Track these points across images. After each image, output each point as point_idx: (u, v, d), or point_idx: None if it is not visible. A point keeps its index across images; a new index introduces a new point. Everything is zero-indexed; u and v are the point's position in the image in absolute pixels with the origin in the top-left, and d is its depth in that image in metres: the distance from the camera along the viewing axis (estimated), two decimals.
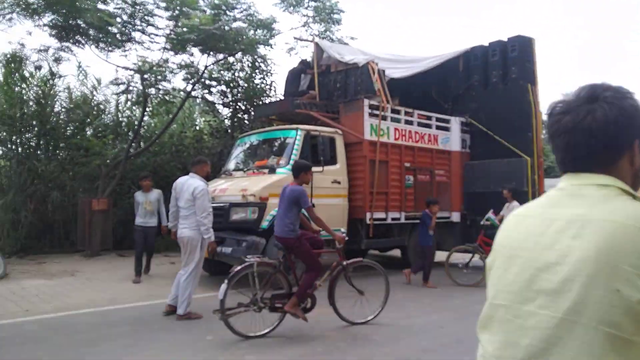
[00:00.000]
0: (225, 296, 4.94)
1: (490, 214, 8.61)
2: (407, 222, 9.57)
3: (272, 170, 7.93)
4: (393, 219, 9.25)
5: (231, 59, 12.03)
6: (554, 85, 46.13)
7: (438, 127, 10.33)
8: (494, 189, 10.05)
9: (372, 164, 8.86)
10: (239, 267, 5.16)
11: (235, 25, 9.86)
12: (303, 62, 10.15)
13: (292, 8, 11.55)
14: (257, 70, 12.48)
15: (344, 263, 5.68)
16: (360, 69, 9.27)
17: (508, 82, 10.37)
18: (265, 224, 7.44)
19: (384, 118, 9.15)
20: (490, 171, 10.23)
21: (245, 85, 12.49)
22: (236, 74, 12.36)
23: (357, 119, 8.91)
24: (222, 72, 12.32)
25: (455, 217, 10.43)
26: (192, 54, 11.03)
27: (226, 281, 5.03)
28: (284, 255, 5.43)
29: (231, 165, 9.02)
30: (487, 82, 10.73)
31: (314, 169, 7.93)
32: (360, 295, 5.64)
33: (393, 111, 9.45)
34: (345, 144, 8.94)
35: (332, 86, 9.77)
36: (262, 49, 11.55)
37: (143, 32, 10.75)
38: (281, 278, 5.35)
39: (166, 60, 11.14)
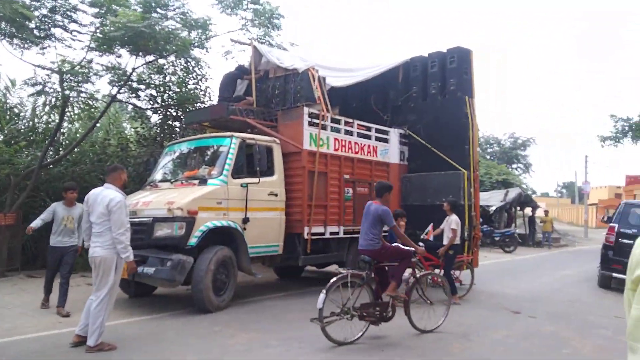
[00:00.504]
0: (324, 306, 5.21)
1: (429, 228, 8.42)
2: (346, 236, 9.21)
3: (203, 182, 7.25)
4: (332, 234, 8.84)
5: (162, 61, 11.13)
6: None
7: (377, 139, 10.10)
8: (431, 202, 9.97)
9: (311, 176, 8.42)
10: (334, 279, 5.41)
11: (167, 24, 9.05)
12: (240, 67, 9.56)
13: (230, 10, 10.90)
14: (190, 75, 11.65)
15: (417, 275, 6.18)
16: (300, 75, 8.83)
17: (446, 94, 10.35)
18: (193, 240, 6.75)
19: (324, 127, 8.76)
20: (427, 184, 10.12)
21: (178, 90, 11.62)
22: (167, 78, 11.45)
23: (296, 127, 8.44)
24: (152, 75, 11.38)
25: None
26: (119, 55, 10.11)
27: (324, 291, 5.26)
28: (368, 268, 5.78)
29: (158, 175, 8.22)
30: (426, 93, 10.67)
31: (248, 180, 7.42)
32: (429, 305, 6.22)
33: (333, 121, 9.09)
34: (283, 154, 8.44)
35: (271, 93, 9.25)
36: (196, 52, 10.81)
37: (64, 28, 9.65)
38: (367, 289, 5.73)
39: (90, 61, 10.13)
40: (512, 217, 23.04)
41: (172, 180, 7.70)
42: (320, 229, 8.63)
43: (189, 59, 10.23)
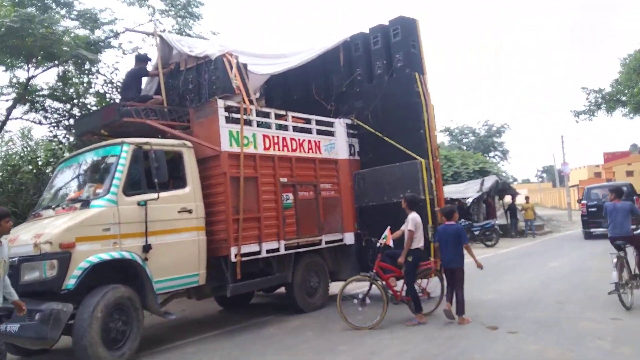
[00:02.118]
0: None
1: (386, 232, 6.97)
2: (290, 252, 7.70)
3: (86, 204, 5.69)
4: (269, 251, 7.32)
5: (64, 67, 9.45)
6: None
7: (320, 132, 8.63)
8: (388, 200, 8.52)
9: (235, 183, 6.90)
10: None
11: (63, 23, 7.42)
12: (140, 58, 7.98)
13: (137, 1, 9.33)
14: (90, 78, 9.93)
15: None
16: (213, 63, 7.32)
17: (393, 73, 8.92)
18: (70, 282, 5.17)
19: (248, 123, 7.26)
20: (381, 180, 8.66)
21: (84, 99, 9.94)
22: (68, 86, 9.74)
23: (211, 125, 6.93)
24: (49, 83, 9.71)
25: (349, 238, 8.73)
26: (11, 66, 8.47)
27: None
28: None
29: (44, 201, 6.62)
30: (372, 74, 9.23)
31: (148, 196, 5.88)
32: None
33: (260, 115, 7.59)
34: (200, 159, 6.92)
35: (183, 88, 7.72)
36: (111, 53, 9.24)
37: None
38: None
39: None
40: (493, 208, 21.79)
41: (54, 207, 6.10)
42: (254, 247, 7.10)
43: (83, 60, 8.52)
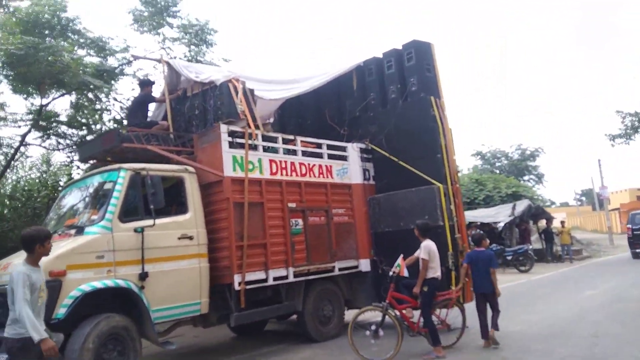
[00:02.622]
0: None
1: (399, 261, 6.57)
2: (300, 279, 7.38)
3: (80, 230, 5.57)
4: (276, 279, 7.02)
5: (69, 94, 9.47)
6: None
7: (332, 157, 8.39)
8: (405, 226, 8.12)
9: (239, 209, 6.69)
10: None
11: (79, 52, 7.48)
12: (143, 83, 7.96)
13: (151, 29, 9.44)
14: (105, 105, 10.04)
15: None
16: (218, 88, 7.22)
17: (408, 97, 8.66)
18: (60, 311, 5.00)
19: (253, 148, 7.09)
20: (397, 205, 8.30)
21: (101, 125, 10.05)
22: (81, 113, 9.86)
23: (214, 151, 6.79)
24: (66, 110, 9.84)
25: (365, 265, 8.36)
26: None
27: None
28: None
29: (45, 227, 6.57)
30: (386, 99, 9.00)
31: (145, 223, 5.73)
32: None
33: (267, 140, 7.42)
34: (203, 185, 6.78)
35: (188, 113, 7.64)
36: (126, 81, 9.31)
37: None
38: None
39: (3, 104, 8.73)
40: (528, 233, 20.91)
41: (53, 232, 6.01)
42: (260, 275, 6.83)
43: (90, 87, 8.59)
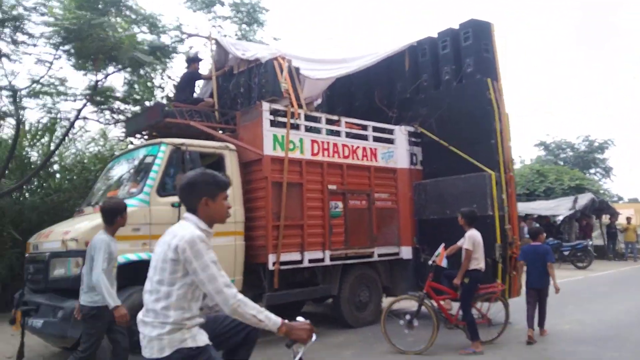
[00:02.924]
0: None
1: (439, 250, 6.28)
2: (337, 263, 7.24)
3: None
4: (312, 261, 6.90)
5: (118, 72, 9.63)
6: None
7: (378, 139, 8.12)
8: (451, 214, 7.70)
9: (278, 188, 6.60)
10: None
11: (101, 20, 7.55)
12: (190, 59, 7.95)
13: (204, 7, 9.43)
14: (159, 82, 10.14)
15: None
16: (264, 66, 7.11)
17: (462, 78, 8.20)
18: None
19: (295, 127, 6.94)
20: (445, 192, 7.94)
21: (153, 100, 10.21)
22: (133, 89, 10.02)
23: (255, 129, 6.70)
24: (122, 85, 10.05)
25: (406, 253, 8.09)
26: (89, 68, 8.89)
27: None
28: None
29: (89, 198, 6.76)
30: (439, 80, 8.57)
31: (170, 198, 5.73)
32: None
33: (310, 119, 7.25)
34: (244, 163, 6.73)
35: (234, 91, 7.59)
36: (166, 56, 9.35)
37: (14, 41, 8.56)
38: None
39: (63, 80, 9.03)
40: (590, 227, 19.72)
41: (93, 204, 6.17)
42: (296, 256, 6.73)
43: (141, 63, 8.68)
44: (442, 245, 6.30)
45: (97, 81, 9.11)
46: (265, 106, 6.65)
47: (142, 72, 9.20)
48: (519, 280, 7.69)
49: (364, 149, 7.81)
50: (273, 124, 6.70)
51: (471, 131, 7.88)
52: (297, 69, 7.37)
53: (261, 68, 7.13)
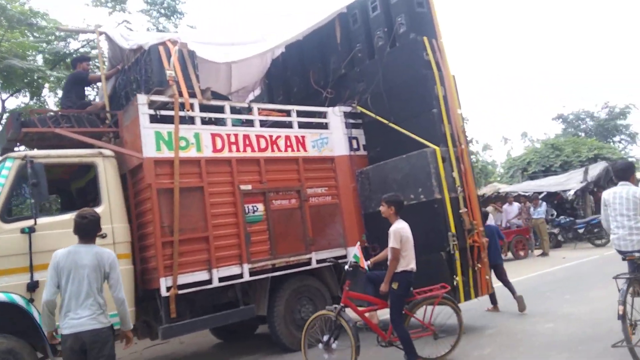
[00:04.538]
0: None
1: (356, 249, 5.09)
2: (261, 277, 6.09)
3: None
4: (225, 279, 5.75)
5: None
6: None
7: (305, 125, 6.96)
8: None
9: (168, 196, 5.50)
10: None
11: None
12: (76, 60, 6.95)
13: (115, 5, 8.43)
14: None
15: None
16: (147, 54, 6.04)
17: (396, 41, 6.98)
18: None
19: (187, 120, 5.84)
20: (388, 177, 6.71)
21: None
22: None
23: (134, 128, 5.63)
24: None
25: (354, 254, 6.85)
26: None
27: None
28: None
29: None
30: (373, 49, 7.36)
31: (28, 223, 4.72)
32: None
33: (209, 109, 6.14)
34: (133, 170, 5.69)
35: (129, 87, 6.54)
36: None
37: None
38: None
39: None
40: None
41: None
42: (202, 275, 5.60)
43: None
44: (358, 243, 5.11)
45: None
46: (141, 99, 5.57)
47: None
48: (487, 273, 6.41)
49: (288, 138, 6.66)
50: (155, 119, 5.61)
51: (410, 102, 6.67)
52: (193, 53, 6.26)
53: (146, 56, 6.06)
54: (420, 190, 6.24)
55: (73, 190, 6.41)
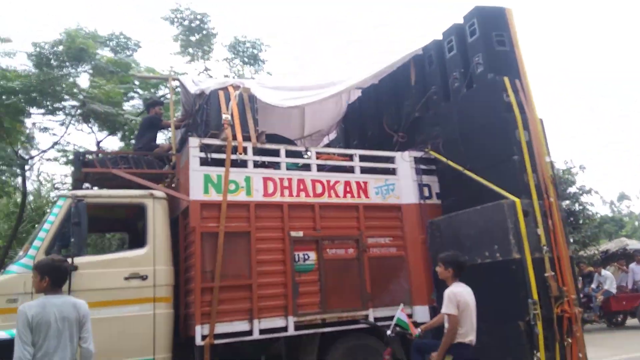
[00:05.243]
0: None
1: (400, 313, 4.41)
2: (309, 332, 5.58)
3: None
4: (267, 331, 5.34)
5: None
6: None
7: (369, 170, 6.50)
8: (470, 260, 5.71)
9: (211, 240, 5.31)
10: None
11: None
12: (149, 104, 7.26)
13: (200, 54, 8.90)
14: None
15: None
16: (208, 98, 6.09)
17: (473, 82, 6.34)
18: None
19: (239, 164, 5.69)
20: (460, 231, 5.94)
21: None
22: None
23: (186, 171, 5.60)
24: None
25: (422, 313, 6.08)
26: None
27: None
28: None
29: None
30: (448, 91, 6.77)
31: (86, 260, 4.79)
32: None
33: (263, 153, 5.96)
34: (184, 212, 5.64)
35: (191, 132, 6.64)
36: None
37: None
38: None
39: None
40: None
41: None
42: (241, 326, 5.25)
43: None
44: (401, 306, 4.43)
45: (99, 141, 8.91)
46: (193, 142, 5.54)
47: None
48: (582, 349, 5.26)
49: (348, 183, 6.22)
50: (206, 162, 5.54)
51: (489, 148, 5.93)
52: (253, 97, 6.20)
53: (207, 101, 6.11)
54: (496, 247, 5.40)
55: (139, 230, 6.54)
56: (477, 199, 5.86)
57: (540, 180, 5.61)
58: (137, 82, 8.32)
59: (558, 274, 5.30)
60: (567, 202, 13.76)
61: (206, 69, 9.34)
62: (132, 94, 9.25)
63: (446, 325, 4.17)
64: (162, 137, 9.10)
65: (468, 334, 4.11)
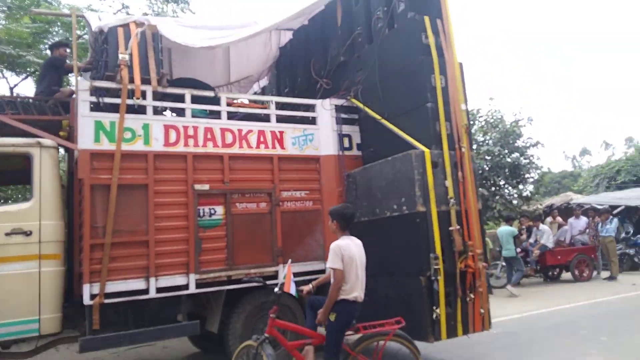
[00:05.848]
0: None
1: (286, 270, 4.25)
2: (213, 289, 5.40)
3: None
4: (165, 289, 5.13)
5: None
6: None
7: (287, 119, 6.17)
8: (380, 213, 5.57)
9: (102, 193, 4.97)
10: None
11: None
12: (54, 45, 6.69)
13: None
14: None
15: None
16: (106, 36, 5.55)
17: (394, 22, 5.94)
18: None
19: (137, 110, 5.28)
20: (373, 183, 5.73)
21: None
22: None
23: (76, 116, 5.17)
24: None
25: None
26: None
27: None
28: None
29: None
30: (372, 32, 6.36)
31: None
32: None
33: (166, 97, 5.54)
34: (76, 163, 5.24)
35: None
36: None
37: None
38: None
39: None
40: None
41: None
42: (136, 284, 5.01)
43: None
44: (289, 261, 4.26)
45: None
46: (83, 84, 5.07)
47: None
48: (484, 305, 5.24)
49: (262, 133, 5.88)
50: (96, 107, 5.09)
51: (405, 93, 5.64)
52: (158, 36, 5.67)
53: (105, 39, 5.57)
54: (404, 200, 5.21)
55: None
56: (394, 150, 5.61)
57: (454, 130, 5.37)
58: (57, 22, 7.54)
59: (465, 228, 5.17)
60: (515, 154, 13.74)
61: (124, 7, 8.63)
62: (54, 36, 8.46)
63: (332, 280, 4.01)
64: None
65: (353, 290, 3.96)
